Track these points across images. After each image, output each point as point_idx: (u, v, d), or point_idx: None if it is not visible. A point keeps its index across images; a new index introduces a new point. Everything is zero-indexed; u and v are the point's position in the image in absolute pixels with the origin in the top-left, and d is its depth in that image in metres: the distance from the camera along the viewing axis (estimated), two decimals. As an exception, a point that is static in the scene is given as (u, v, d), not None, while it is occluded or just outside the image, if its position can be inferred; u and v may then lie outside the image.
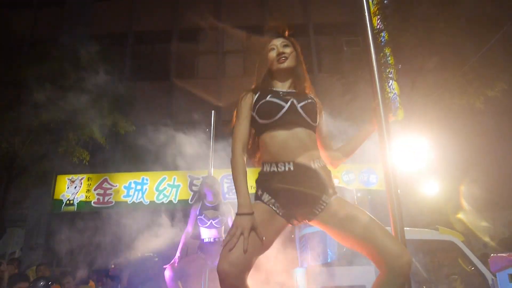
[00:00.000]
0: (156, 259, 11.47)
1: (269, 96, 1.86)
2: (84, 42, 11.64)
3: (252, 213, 1.62)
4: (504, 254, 3.21)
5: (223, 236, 4.10)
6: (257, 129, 1.90)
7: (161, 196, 10.59)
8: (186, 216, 10.30)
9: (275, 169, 1.77)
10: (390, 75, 8.57)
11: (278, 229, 1.77)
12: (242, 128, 1.87)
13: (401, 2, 8.44)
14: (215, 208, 4.12)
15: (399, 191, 1.86)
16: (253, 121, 1.89)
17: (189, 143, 11.27)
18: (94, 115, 9.32)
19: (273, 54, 1.98)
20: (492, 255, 3.48)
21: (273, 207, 1.74)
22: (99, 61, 9.69)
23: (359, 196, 6.70)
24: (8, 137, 8.74)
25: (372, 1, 9.23)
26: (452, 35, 7.95)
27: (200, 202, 4.22)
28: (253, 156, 1.99)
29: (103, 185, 10.78)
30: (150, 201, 10.54)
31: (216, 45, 13.08)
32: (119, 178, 10.82)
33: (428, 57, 8.20)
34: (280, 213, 1.75)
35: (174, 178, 10.72)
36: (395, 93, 8.96)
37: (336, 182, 1.93)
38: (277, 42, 2.00)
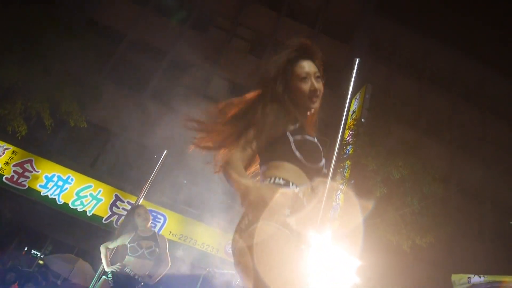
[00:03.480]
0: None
1: (315, 139, 1.66)
2: (80, 23, 11.47)
3: None
4: None
5: (145, 276, 3.94)
6: (281, 152, 1.60)
7: (77, 202, 9.92)
8: (92, 231, 9.61)
9: (297, 191, 1.53)
10: (341, 187, 8.89)
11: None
12: (260, 142, 1.55)
13: (375, 128, 9.03)
14: (149, 238, 4.03)
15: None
16: (284, 142, 1.59)
17: (131, 163, 10.93)
18: (53, 94, 8.94)
19: (305, 87, 1.66)
20: None
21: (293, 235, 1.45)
22: (85, 45, 9.49)
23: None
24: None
25: (352, 115, 9.83)
26: (405, 176, 8.49)
27: (133, 232, 4.08)
28: (247, 168, 1.67)
29: (25, 165, 10.01)
30: (64, 202, 9.83)
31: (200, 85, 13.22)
32: (45, 166, 10.12)
33: (379, 185, 8.62)
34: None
35: (100, 190, 10.16)
36: (338, 204, 9.24)
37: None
38: (310, 69, 1.68)
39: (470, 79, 16.90)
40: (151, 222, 4.26)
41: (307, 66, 1.67)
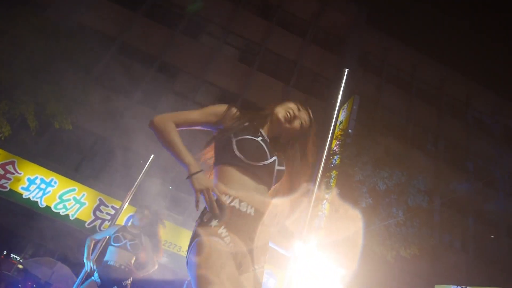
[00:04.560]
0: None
1: (259, 138, 1.76)
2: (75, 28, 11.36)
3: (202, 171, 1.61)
4: None
5: (132, 267, 3.93)
6: (225, 155, 1.72)
7: (60, 206, 9.73)
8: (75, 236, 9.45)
9: (237, 206, 1.62)
10: (327, 196, 8.91)
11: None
12: (193, 117, 1.78)
13: (362, 138, 9.10)
14: (134, 235, 4.06)
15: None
16: (227, 145, 1.72)
17: (116, 167, 10.79)
18: (39, 96, 8.80)
19: (291, 106, 1.89)
20: None
21: (228, 247, 1.54)
22: (73, 48, 9.40)
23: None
24: None
25: (339, 125, 9.90)
26: (391, 187, 8.55)
27: (122, 225, 4.21)
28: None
29: (7, 167, 9.79)
30: (46, 206, 9.64)
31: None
32: (28, 168, 9.92)
33: (365, 195, 8.67)
34: (231, 253, 1.55)
35: (84, 194, 9.99)
36: (324, 213, 9.25)
37: None
38: (298, 107, 1.91)
39: (456, 93, 17.22)
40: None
41: (299, 103, 1.94)
